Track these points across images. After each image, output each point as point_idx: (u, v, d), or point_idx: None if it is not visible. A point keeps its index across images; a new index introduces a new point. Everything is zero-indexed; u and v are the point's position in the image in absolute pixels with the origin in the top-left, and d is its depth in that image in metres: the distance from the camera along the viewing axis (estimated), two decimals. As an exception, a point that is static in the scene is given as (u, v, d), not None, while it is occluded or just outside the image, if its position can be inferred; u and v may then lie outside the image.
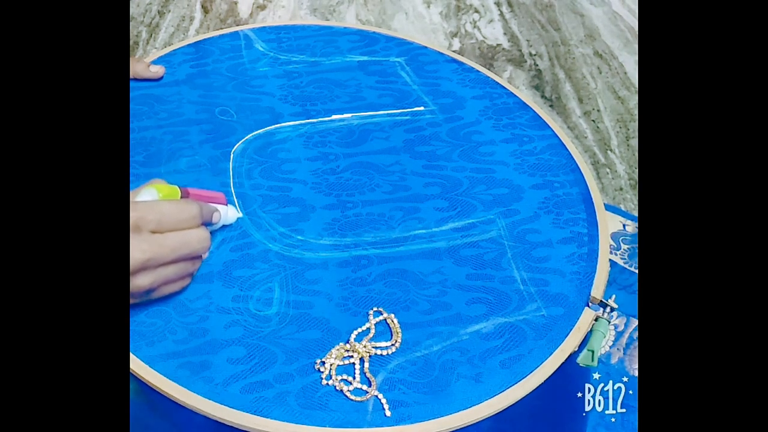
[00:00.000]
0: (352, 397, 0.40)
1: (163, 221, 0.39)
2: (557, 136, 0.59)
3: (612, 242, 0.52)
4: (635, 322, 0.49)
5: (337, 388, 0.40)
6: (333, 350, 0.42)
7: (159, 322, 0.43)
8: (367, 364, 0.41)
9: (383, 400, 0.40)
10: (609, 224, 0.52)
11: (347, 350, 0.42)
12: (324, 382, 0.40)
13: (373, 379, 0.41)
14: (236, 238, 0.49)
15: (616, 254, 0.54)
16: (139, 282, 0.39)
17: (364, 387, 0.40)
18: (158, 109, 0.59)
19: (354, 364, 0.41)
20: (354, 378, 0.41)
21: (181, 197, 0.43)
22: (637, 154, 0.83)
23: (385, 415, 0.39)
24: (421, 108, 0.61)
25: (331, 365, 0.41)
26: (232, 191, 0.52)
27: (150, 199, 0.41)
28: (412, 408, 0.40)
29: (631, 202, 0.83)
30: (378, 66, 0.66)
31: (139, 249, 0.38)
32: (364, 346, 0.42)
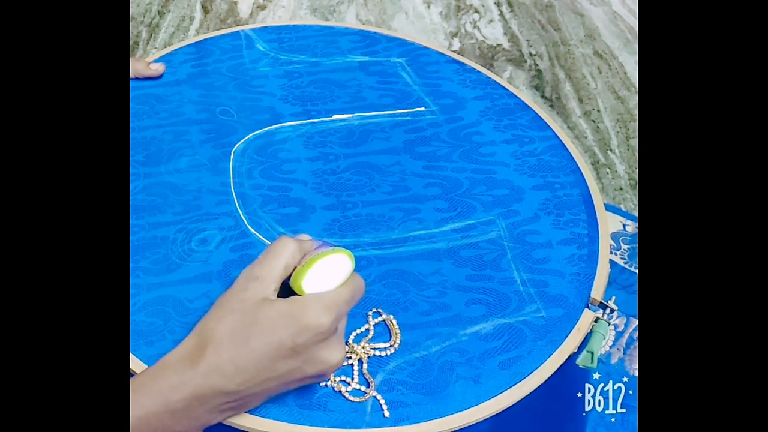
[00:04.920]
0: (351, 398, 0.40)
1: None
2: (558, 137, 0.59)
3: (612, 242, 0.52)
4: (635, 322, 0.49)
5: (336, 389, 0.40)
6: None
7: (158, 322, 0.43)
8: (365, 365, 0.41)
9: (382, 401, 0.40)
10: (609, 224, 0.52)
11: (346, 351, 0.42)
12: (322, 383, 0.40)
13: (371, 380, 0.41)
14: (236, 237, 0.49)
15: (616, 254, 0.54)
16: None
17: (363, 388, 0.40)
18: (159, 109, 0.59)
19: (353, 365, 0.41)
20: (352, 379, 0.41)
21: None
22: (637, 154, 0.83)
23: (384, 416, 0.39)
24: (422, 108, 0.61)
25: None
26: (233, 191, 0.52)
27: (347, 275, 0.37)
28: (411, 409, 0.40)
29: (631, 202, 0.83)
30: (379, 66, 0.66)
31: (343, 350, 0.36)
32: (363, 347, 0.42)
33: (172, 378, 0.33)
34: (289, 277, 0.37)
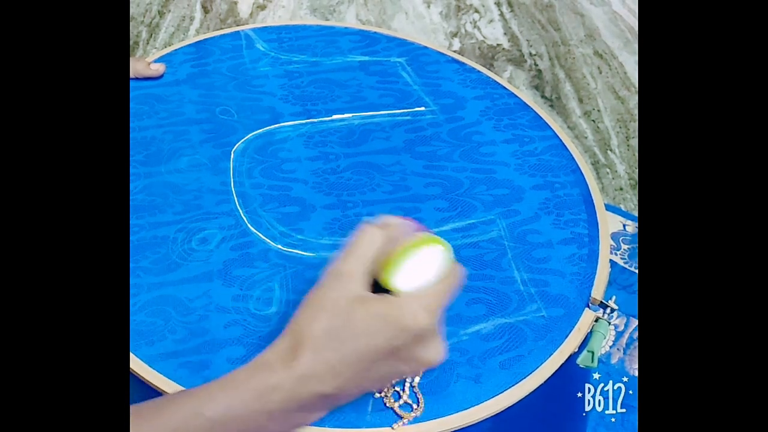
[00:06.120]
0: (400, 412, 0.39)
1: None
2: (558, 136, 0.59)
3: (612, 242, 0.52)
4: (635, 322, 0.49)
5: (388, 404, 0.39)
6: None
7: (159, 322, 0.43)
8: (417, 379, 0.40)
9: (419, 398, 0.39)
10: (609, 224, 0.52)
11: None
12: (377, 394, 0.40)
13: (420, 396, 0.40)
14: (236, 237, 0.49)
15: (616, 254, 0.54)
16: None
17: (411, 402, 0.39)
18: (159, 109, 0.59)
19: (405, 379, 0.41)
20: (403, 391, 0.40)
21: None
22: (637, 154, 0.83)
23: (413, 411, 0.39)
24: (422, 108, 0.61)
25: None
26: (233, 190, 0.52)
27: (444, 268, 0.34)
28: (412, 408, 0.40)
29: (631, 202, 0.83)
30: (379, 66, 0.66)
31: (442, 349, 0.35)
32: None
33: (270, 378, 0.33)
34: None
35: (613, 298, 0.49)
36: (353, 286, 0.34)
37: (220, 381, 0.33)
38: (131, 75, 0.61)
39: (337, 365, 0.33)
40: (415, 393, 0.40)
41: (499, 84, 0.64)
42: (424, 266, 0.34)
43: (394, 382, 0.36)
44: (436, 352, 0.34)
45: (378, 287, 0.35)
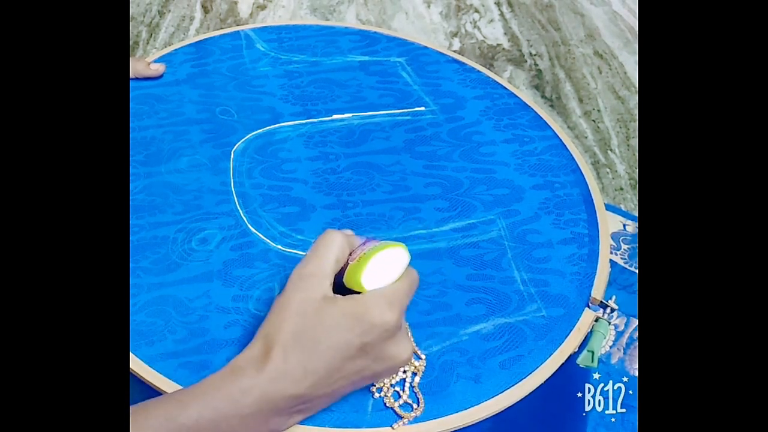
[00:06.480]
0: (400, 412, 0.39)
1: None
2: (558, 136, 0.59)
3: (612, 242, 0.52)
4: (635, 322, 0.49)
5: (388, 404, 0.39)
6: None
7: (159, 322, 0.43)
8: (417, 379, 0.41)
9: (419, 398, 0.39)
10: (609, 224, 0.52)
11: (413, 345, 0.41)
12: (377, 394, 0.40)
13: (420, 396, 0.40)
14: (236, 237, 0.49)
15: (616, 254, 0.54)
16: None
17: (411, 402, 0.40)
18: (159, 109, 0.59)
19: (405, 379, 0.41)
20: (403, 391, 0.40)
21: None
22: (637, 154, 0.83)
23: (413, 410, 0.39)
24: (422, 108, 0.61)
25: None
26: (233, 190, 0.52)
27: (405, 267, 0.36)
28: (412, 409, 0.40)
29: (631, 202, 0.83)
30: (379, 66, 0.66)
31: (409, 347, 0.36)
32: (422, 360, 0.41)
33: (242, 382, 0.33)
34: (340, 274, 0.36)
35: (613, 298, 0.49)
36: (319, 287, 0.34)
37: (193, 387, 0.33)
38: (131, 75, 0.61)
39: (308, 365, 0.33)
40: (415, 393, 0.40)
41: (499, 84, 0.64)
42: (386, 266, 0.35)
43: (368, 383, 0.36)
44: (403, 348, 0.35)
45: (339, 290, 0.36)
